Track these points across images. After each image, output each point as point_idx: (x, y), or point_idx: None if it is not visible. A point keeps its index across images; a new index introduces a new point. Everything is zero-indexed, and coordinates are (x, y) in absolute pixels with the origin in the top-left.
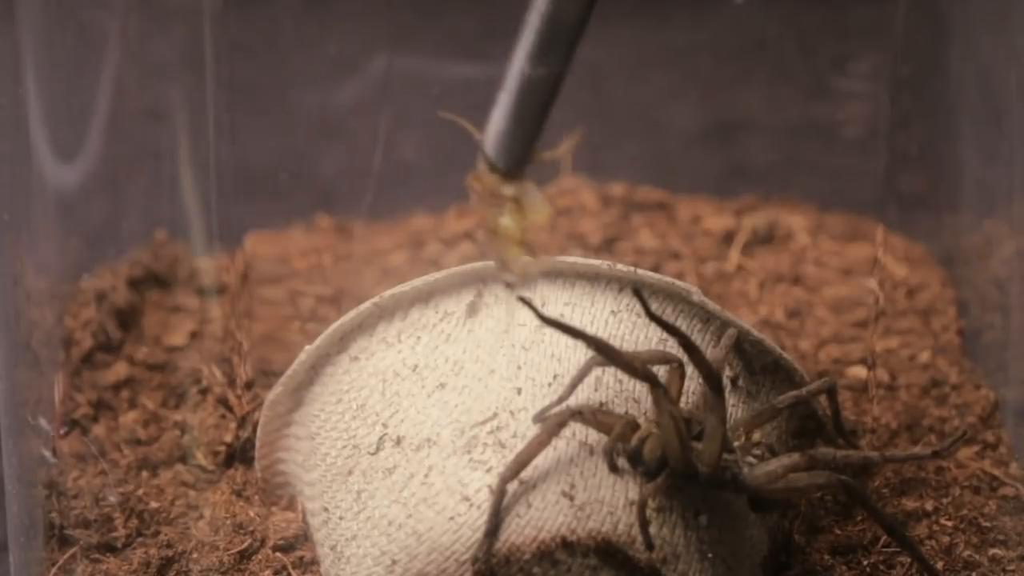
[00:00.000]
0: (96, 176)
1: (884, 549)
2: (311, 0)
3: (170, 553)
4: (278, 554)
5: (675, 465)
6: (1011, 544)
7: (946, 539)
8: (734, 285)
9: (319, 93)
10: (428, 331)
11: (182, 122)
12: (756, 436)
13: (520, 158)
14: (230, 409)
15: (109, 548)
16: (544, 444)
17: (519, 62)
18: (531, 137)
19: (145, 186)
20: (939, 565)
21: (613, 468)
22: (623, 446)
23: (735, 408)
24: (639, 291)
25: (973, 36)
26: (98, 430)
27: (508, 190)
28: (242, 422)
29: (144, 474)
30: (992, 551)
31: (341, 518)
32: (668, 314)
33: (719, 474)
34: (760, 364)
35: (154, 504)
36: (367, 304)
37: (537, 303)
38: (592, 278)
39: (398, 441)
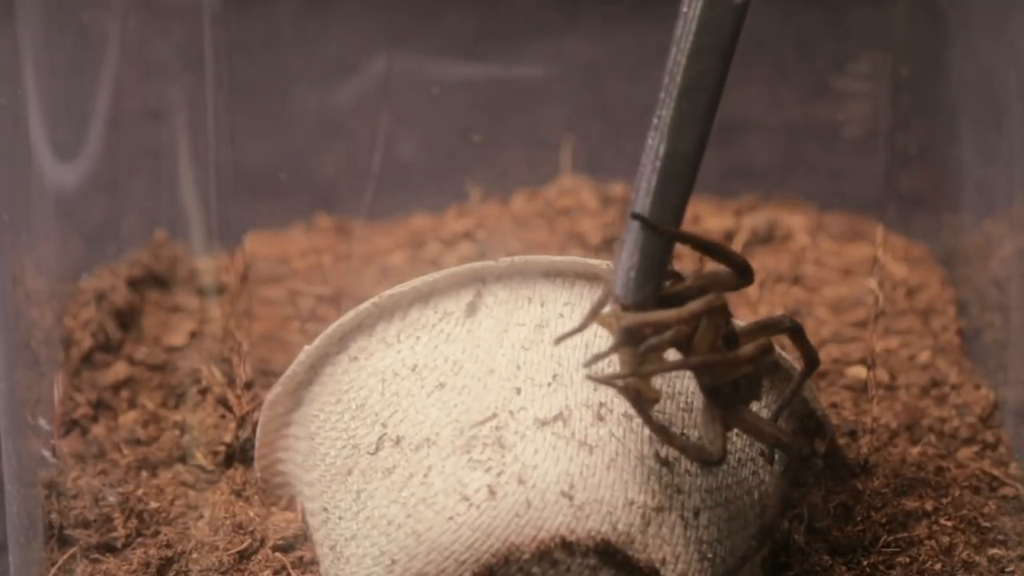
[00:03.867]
0: (96, 176)
1: (884, 549)
2: (311, 0)
3: (170, 553)
4: (278, 554)
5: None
6: (1011, 544)
7: (946, 539)
8: None
9: (319, 93)
10: (427, 331)
11: (182, 122)
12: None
13: (651, 292)
14: (230, 409)
15: (109, 548)
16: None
17: (640, 203)
18: (660, 271)
19: (145, 186)
20: (939, 566)
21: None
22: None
23: None
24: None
25: (973, 36)
26: (98, 430)
27: None
28: (242, 422)
29: (144, 474)
30: (992, 551)
31: (340, 518)
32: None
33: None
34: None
35: (154, 504)
36: (366, 304)
37: (537, 304)
38: (591, 278)
39: (397, 441)
